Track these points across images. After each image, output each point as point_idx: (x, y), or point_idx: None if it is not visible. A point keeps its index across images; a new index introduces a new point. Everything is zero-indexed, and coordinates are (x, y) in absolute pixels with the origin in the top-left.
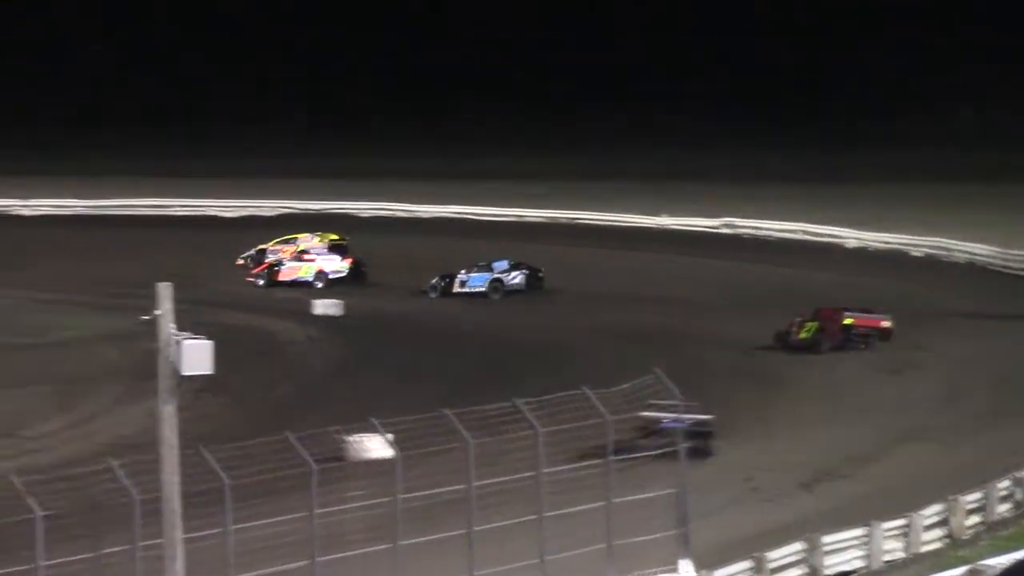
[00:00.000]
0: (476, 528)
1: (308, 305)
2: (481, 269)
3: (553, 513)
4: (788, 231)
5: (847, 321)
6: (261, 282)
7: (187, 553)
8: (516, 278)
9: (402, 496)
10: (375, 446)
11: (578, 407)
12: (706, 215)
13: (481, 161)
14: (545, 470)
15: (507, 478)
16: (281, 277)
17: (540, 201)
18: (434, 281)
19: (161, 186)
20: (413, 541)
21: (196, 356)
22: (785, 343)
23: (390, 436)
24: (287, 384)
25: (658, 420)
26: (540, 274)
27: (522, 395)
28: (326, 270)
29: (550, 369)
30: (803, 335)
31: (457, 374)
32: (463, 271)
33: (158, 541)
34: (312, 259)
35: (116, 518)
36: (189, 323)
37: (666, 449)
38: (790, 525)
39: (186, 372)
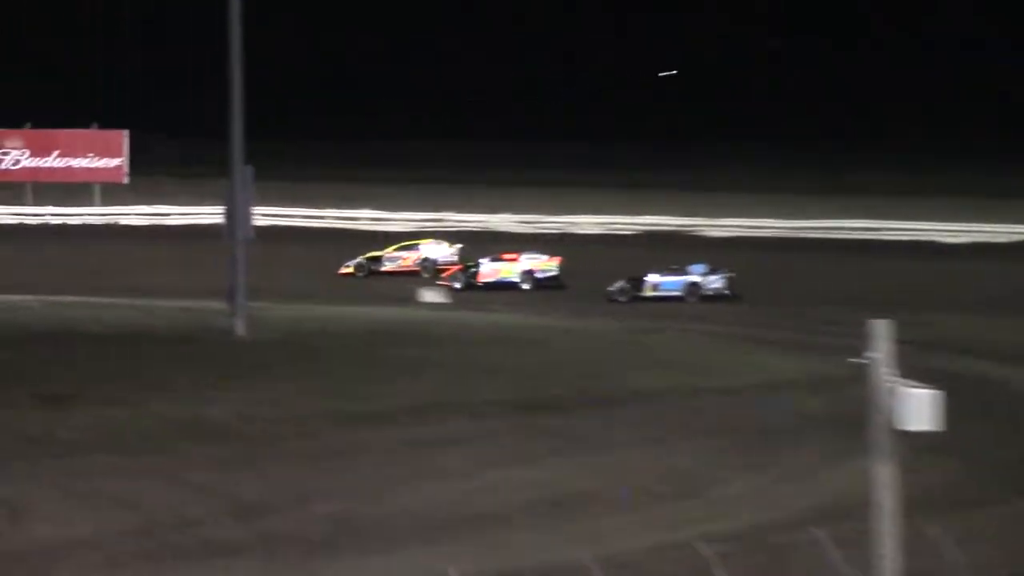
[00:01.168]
0: None
1: None
2: (674, 273)
3: None
4: None
5: None
6: (458, 284)
7: None
8: (715, 282)
9: None
10: None
11: None
12: None
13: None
14: None
15: None
16: (481, 279)
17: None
18: (620, 285)
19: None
20: None
21: (918, 408)
22: None
23: None
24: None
25: None
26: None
27: None
28: (534, 271)
29: None
30: None
31: None
32: (652, 274)
33: None
34: (515, 258)
35: None
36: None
37: None
38: None
39: (906, 427)
